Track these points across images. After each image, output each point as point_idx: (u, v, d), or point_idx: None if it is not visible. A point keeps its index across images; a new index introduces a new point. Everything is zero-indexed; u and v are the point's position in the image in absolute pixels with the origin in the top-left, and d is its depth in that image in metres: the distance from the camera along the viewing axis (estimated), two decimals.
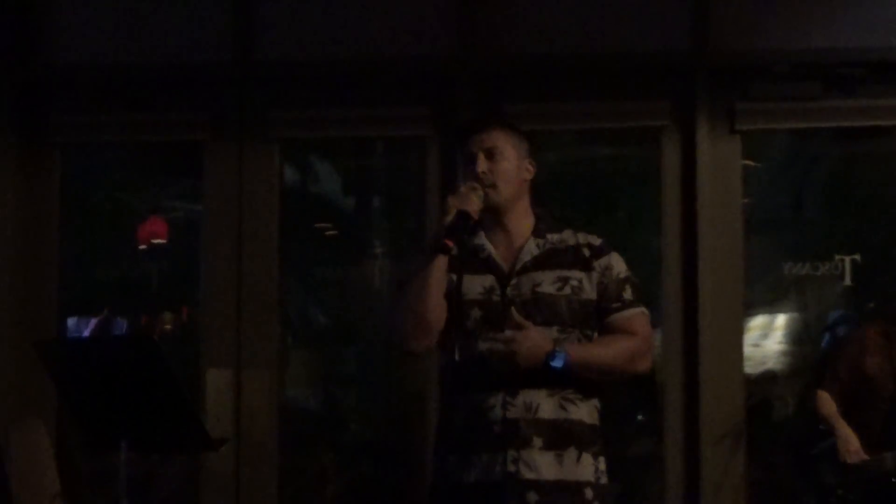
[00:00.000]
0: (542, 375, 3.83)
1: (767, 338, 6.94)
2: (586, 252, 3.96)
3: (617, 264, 3.98)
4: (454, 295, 3.87)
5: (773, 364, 6.82)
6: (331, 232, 7.41)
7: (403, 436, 7.05)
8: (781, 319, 6.99)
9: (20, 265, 6.69)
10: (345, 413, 7.42)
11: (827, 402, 5.93)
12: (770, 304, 6.96)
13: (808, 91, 6.50)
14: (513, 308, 3.86)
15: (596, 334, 3.95)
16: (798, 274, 6.77)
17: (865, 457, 5.77)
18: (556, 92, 6.56)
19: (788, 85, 6.50)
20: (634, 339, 3.92)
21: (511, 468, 3.80)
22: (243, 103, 6.72)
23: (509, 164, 3.97)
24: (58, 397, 6.14)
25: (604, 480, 3.92)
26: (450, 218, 3.87)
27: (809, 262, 6.72)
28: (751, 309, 6.77)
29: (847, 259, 6.61)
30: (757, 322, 6.90)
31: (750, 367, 6.65)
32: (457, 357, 3.86)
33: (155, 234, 7.14)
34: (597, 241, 4.01)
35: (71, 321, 6.99)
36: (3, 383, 6.55)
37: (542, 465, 3.81)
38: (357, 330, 7.35)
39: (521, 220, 4.00)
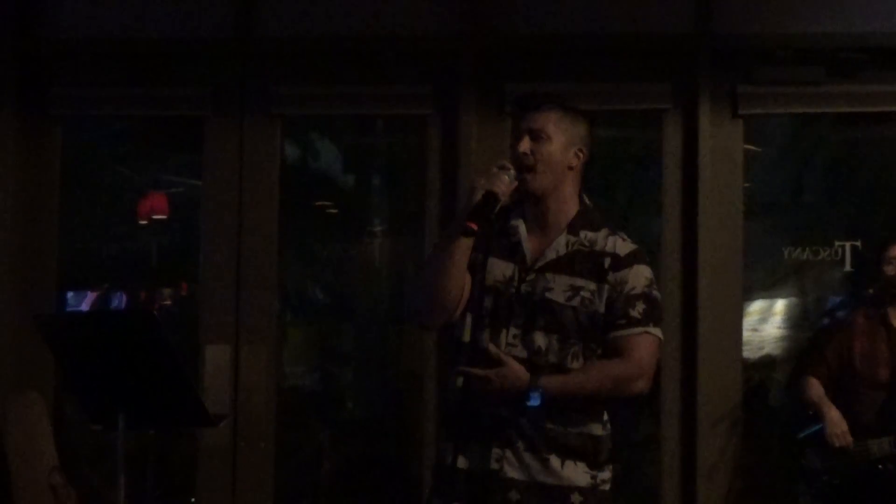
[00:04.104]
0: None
1: (766, 322, 6.94)
2: (606, 262, 3.81)
3: (634, 279, 3.81)
4: (476, 276, 3.80)
5: (771, 349, 6.84)
6: (331, 209, 7.41)
7: (400, 413, 7.07)
8: (780, 304, 7.00)
9: (20, 238, 6.68)
10: (342, 390, 7.44)
11: (815, 386, 5.95)
12: (769, 289, 6.97)
13: (811, 76, 6.48)
14: (491, 345, 3.77)
15: (600, 350, 3.83)
16: (798, 259, 6.77)
17: (851, 439, 5.81)
18: (559, 72, 6.53)
19: (791, 69, 6.48)
20: (623, 363, 3.78)
21: (495, 466, 3.77)
22: (244, 79, 6.70)
23: (554, 148, 3.83)
24: (57, 371, 6.15)
25: (603, 488, 3.84)
26: (476, 199, 3.74)
27: (809, 248, 6.72)
28: (750, 293, 6.78)
29: (847, 245, 6.62)
30: (756, 306, 6.91)
31: (748, 352, 6.67)
32: (466, 339, 3.82)
33: (155, 209, 7.13)
34: (624, 250, 3.84)
35: (70, 295, 7.00)
36: (1, 356, 6.55)
37: (526, 465, 3.78)
38: (355, 307, 7.35)
39: (562, 210, 3.86)
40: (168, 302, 7.13)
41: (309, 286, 7.41)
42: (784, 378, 6.39)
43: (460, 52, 6.58)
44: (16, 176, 6.69)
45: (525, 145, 3.83)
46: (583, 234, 3.86)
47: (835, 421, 5.83)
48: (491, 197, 3.74)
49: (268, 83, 6.68)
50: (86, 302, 7.04)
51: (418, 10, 6.63)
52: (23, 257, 6.68)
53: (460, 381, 3.81)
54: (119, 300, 7.11)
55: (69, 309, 6.85)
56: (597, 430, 3.84)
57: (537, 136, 3.83)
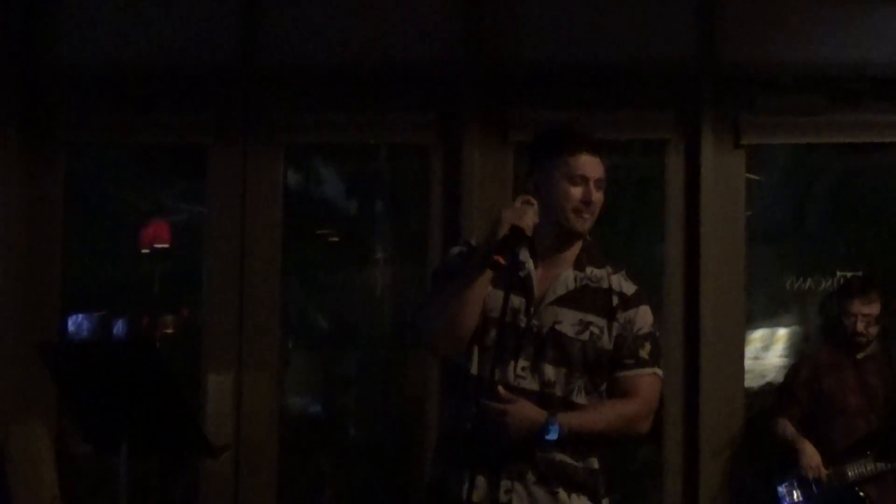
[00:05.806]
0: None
1: (768, 351, 6.95)
2: (615, 300, 3.85)
3: (641, 319, 3.85)
4: (484, 307, 3.79)
5: (773, 377, 6.83)
6: (333, 236, 7.42)
7: (403, 440, 7.06)
8: (782, 333, 7.00)
9: (23, 264, 6.69)
10: (344, 417, 7.43)
11: (787, 426, 6.08)
12: (771, 317, 6.97)
13: (813, 105, 6.50)
14: (500, 387, 3.76)
15: (605, 385, 3.85)
16: (800, 288, 6.78)
17: (825, 472, 5.92)
18: (562, 101, 6.54)
19: (793, 98, 6.50)
20: (633, 403, 3.83)
21: (504, 498, 3.76)
22: (248, 106, 6.72)
23: (603, 192, 3.88)
24: (59, 399, 6.15)
25: None
26: (502, 233, 3.72)
27: (811, 277, 6.74)
28: (752, 322, 6.78)
29: (849, 275, 6.61)
30: (758, 335, 6.91)
31: (750, 380, 6.67)
32: (474, 371, 3.81)
33: (158, 237, 7.14)
34: (630, 290, 3.88)
35: (71, 320, 7.00)
36: (4, 383, 6.55)
37: (535, 499, 3.77)
38: (358, 334, 7.36)
39: (573, 245, 3.88)
40: (170, 328, 7.13)
41: (312, 313, 7.42)
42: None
43: (463, 80, 6.61)
44: (20, 201, 6.71)
45: (595, 195, 3.84)
46: (588, 269, 3.88)
47: (809, 454, 5.96)
48: (517, 231, 3.73)
49: (271, 111, 6.70)
50: (86, 328, 7.04)
51: (421, 38, 6.65)
52: (26, 283, 6.70)
53: (474, 411, 3.79)
54: (120, 326, 7.12)
55: (69, 334, 6.85)
56: (594, 463, 3.86)
57: (600, 185, 3.86)
